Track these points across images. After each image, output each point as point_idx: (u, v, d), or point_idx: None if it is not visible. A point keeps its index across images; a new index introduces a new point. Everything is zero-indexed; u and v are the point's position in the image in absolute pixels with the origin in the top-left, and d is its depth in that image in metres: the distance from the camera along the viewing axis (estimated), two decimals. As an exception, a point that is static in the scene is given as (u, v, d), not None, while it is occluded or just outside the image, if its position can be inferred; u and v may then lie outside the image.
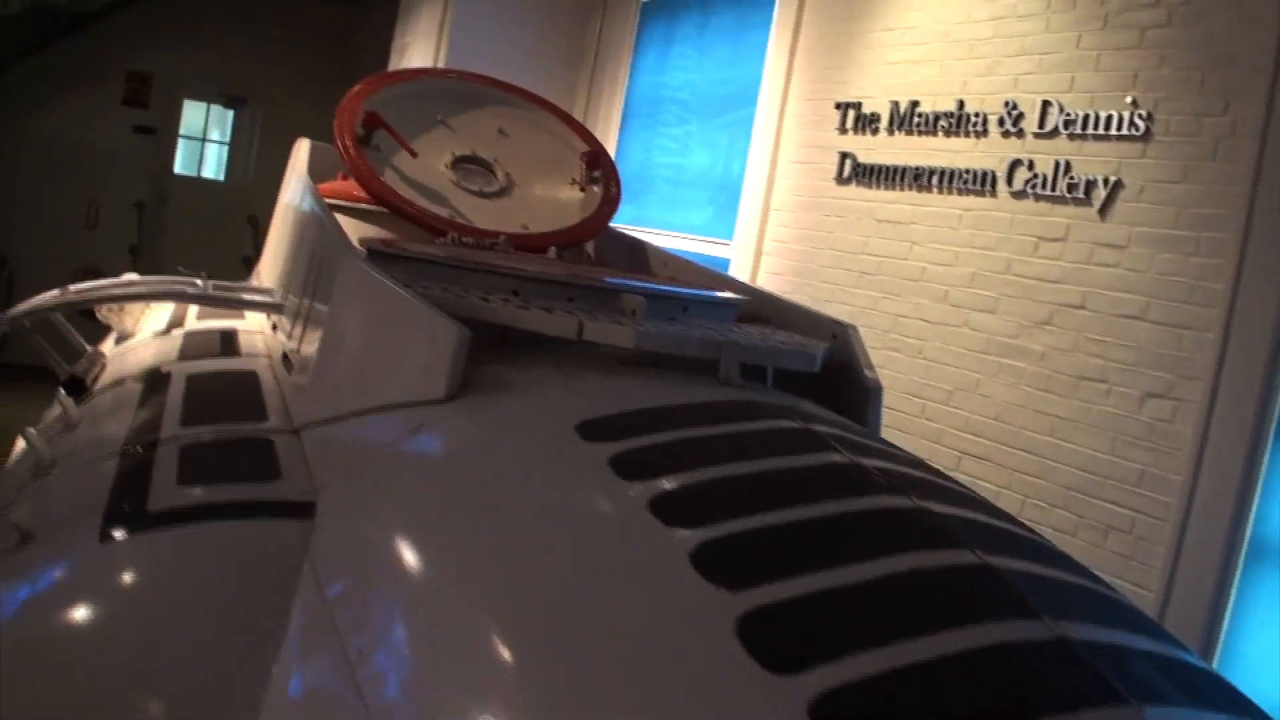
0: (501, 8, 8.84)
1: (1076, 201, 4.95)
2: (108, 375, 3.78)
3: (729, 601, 1.30)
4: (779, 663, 1.21)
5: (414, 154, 3.92)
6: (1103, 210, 4.84)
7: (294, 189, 4.31)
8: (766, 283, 6.50)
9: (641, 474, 1.62)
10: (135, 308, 4.95)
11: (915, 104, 5.81)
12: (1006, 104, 5.31)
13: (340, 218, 3.35)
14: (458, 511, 1.71)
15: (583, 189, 4.15)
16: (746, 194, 6.96)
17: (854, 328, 2.78)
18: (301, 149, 4.87)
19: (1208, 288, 4.45)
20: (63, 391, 3.48)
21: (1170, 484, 4.46)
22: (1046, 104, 5.13)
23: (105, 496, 2.14)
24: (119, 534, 1.94)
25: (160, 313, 4.71)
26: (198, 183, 13.27)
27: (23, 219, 11.79)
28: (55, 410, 3.69)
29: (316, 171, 4.39)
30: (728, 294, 3.01)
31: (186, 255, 11.43)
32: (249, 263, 12.31)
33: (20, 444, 4.51)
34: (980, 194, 5.39)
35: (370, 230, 3.90)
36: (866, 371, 2.60)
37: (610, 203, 4.10)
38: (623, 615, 1.36)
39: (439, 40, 8.67)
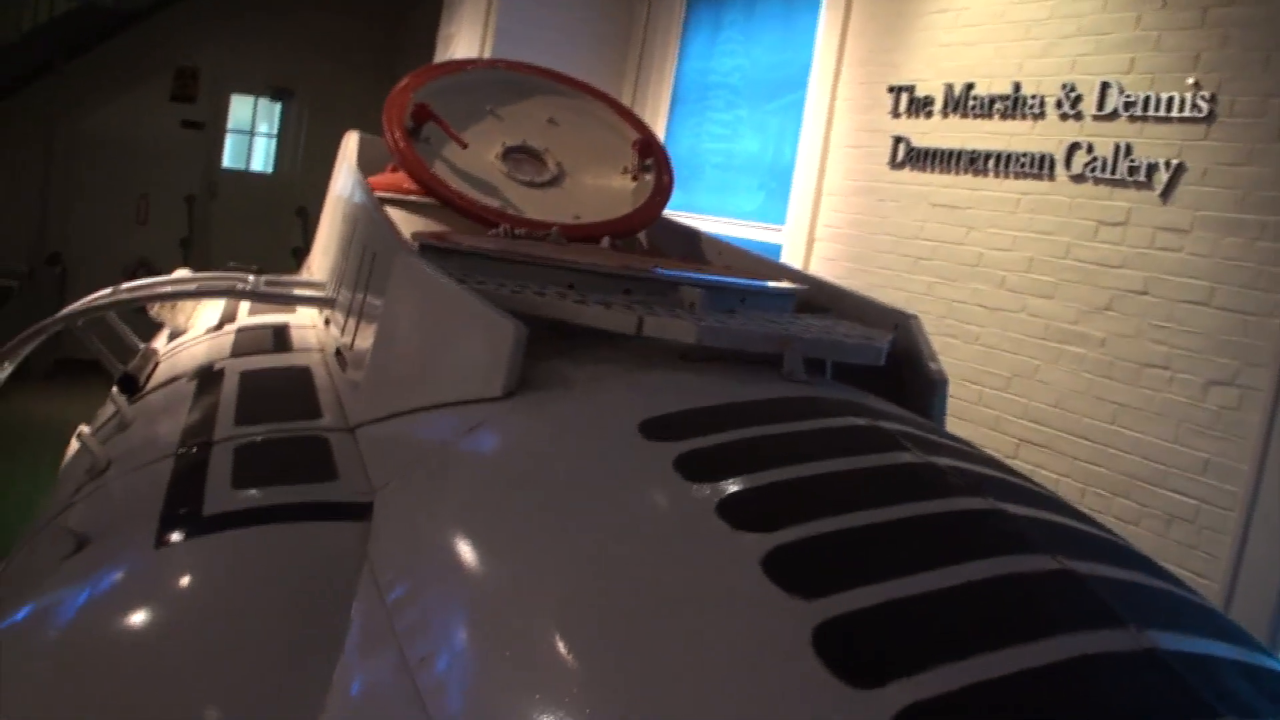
0: (547, -6, 8.81)
1: (1138, 185, 4.84)
2: (161, 373, 3.78)
3: (804, 611, 1.26)
4: (858, 676, 1.16)
5: (464, 145, 3.89)
6: (1165, 194, 4.74)
7: (343, 182, 4.29)
8: (820, 268, 6.43)
9: (707, 475, 1.57)
10: (187, 304, 4.97)
11: (970, 86, 5.72)
12: (1064, 86, 5.21)
13: (391, 210, 3.33)
14: (519, 514, 1.68)
15: (635, 177, 4.11)
16: (798, 179, 6.89)
17: (916, 317, 2.72)
18: (350, 141, 4.86)
19: (1273, 272, 4.34)
20: (116, 390, 3.48)
21: (1236, 473, 4.37)
22: (1106, 86, 5.03)
23: (160, 500, 2.12)
24: (174, 538, 1.92)
25: (212, 308, 4.72)
26: (246, 176, 13.37)
27: (75, 216, 11.91)
28: (109, 409, 3.70)
29: (366, 164, 4.37)
30: (786, 284, 2.95)
31: (236, 248, 11.53)
32: (299, 254, 12.38)
33: (75, 444, 4.55)
34: (1038, 178, 5.29)
35: (421, 223, 3.87)
36: (930, 363, 2.53)
37: (663, 191, 4.05)
38: (693, 625, 1.31)
39: (485, 29, 8.63)
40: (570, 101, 4.37)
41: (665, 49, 8.64)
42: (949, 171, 5.78)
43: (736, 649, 1.26)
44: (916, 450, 1.68)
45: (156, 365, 4.00)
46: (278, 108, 13.39)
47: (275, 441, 2.38)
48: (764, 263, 3.54)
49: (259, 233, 12.61)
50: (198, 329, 4.46)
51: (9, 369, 3.74)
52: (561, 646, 1.36)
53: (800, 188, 6.85)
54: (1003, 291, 5.39)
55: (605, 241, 3.68)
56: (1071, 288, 5.06)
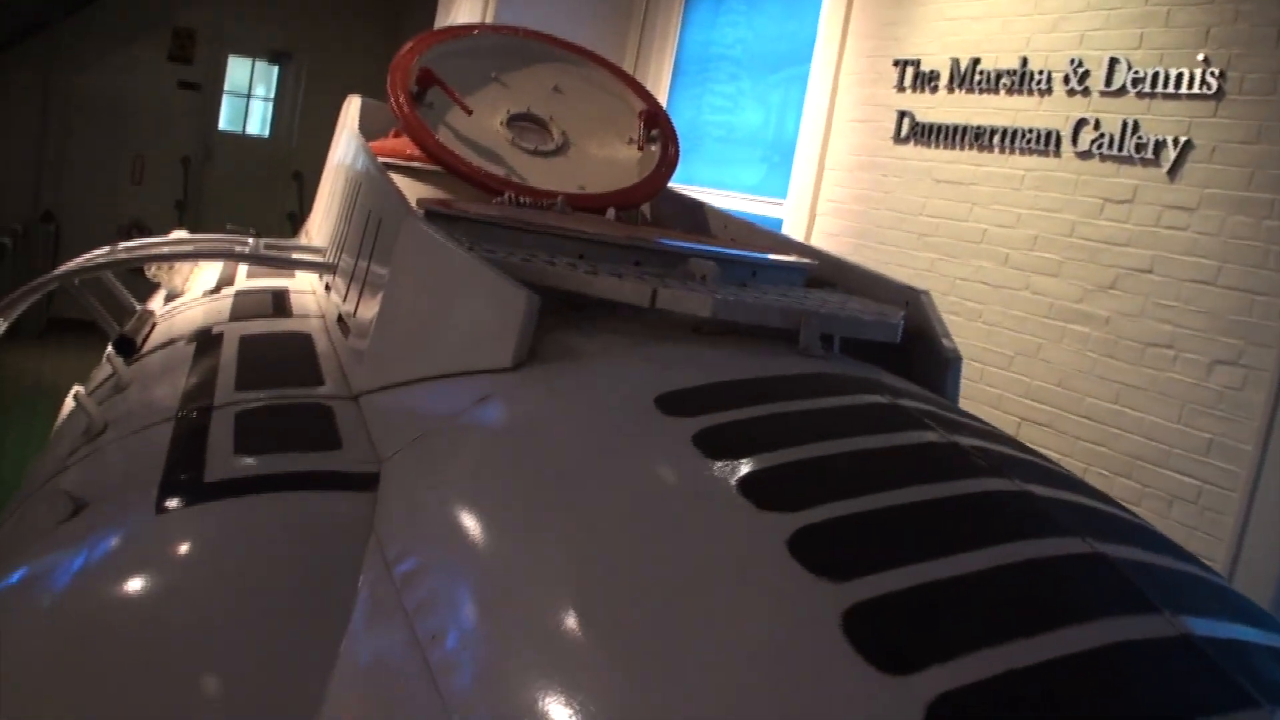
0: (550, -38, 8.70)
1: (1144, 162, 4.80)
2: (158, 335, 3.74)
3: (833, 593, 1.22)
4: (890, 662, 1.13)
5: (469, 111, 3.84)
6: (1172, 171, 4.70)
7: (345, 147, 4.25)
8: (822, 243, 6.38)
9: (728, 452, 1.53)
10: (184, 266, 4.92)
11: (976, 61, 5.66)
12: (1072, 61, 5.15)
13: (394, 176, 3.28)
14: (532, 488, 1.64)
15: (640, 148, 4.06)
16: (801, 153, 6.83)
17: (927, 293, 2.68)
18: (352, 106, 4.81)
19: (1281, 252, 4.31)
20: (113, 351, 3.44)
21: (1239, 453, 4.34)
22: (1114, 61, 4.97)
23: (160, 465, 2.08)
24: (174, 505, 1.88)
25: (210, 271, 4.67)
26: (242, 139, 13.27)
27: (69, 175, 11.83)
28: (105, 370, 3.65)
29: (368, 129, 4.32)
30: (797, 258, 2.91)
31: (231, 211, 11.43)
32: (294, 219, 12.33)
33: (70, 403, 4.50)
34: (1044, 154, 5.24)
35: (424, 190, 3.83)
36: (944, 340, 2.50)
37: (669, 163, 4.01)
38: (717, 606, 1.28)
39: (487, -5, 8.55)
40: (576, 69, 4.32)
41: (668, 19, 8.56)
42: (954, 147, 5.73)
43: (762, 631, 1.23)
44: (940, 429, 1.65)
45: (154, 327, 3.96)
46: (275, 71, 13.27)
47: (277, 408, 2.33)
48: (770, 236, 3.50)
49: (254, 196, 12.52)
50: (195, 291, 4.42)
51: (3, 326, 3.69)
52: (577, 626, 1.32)
53: (803, 162, 6.80)
54: (1006, 269, 5.35)
55: (610, 213, 3.64)
56: (1076, 265, 5.02)
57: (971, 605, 1.23)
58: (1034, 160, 5.29)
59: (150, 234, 12.05)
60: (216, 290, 4.15)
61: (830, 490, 1.42)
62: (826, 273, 2.96)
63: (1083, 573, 1.32)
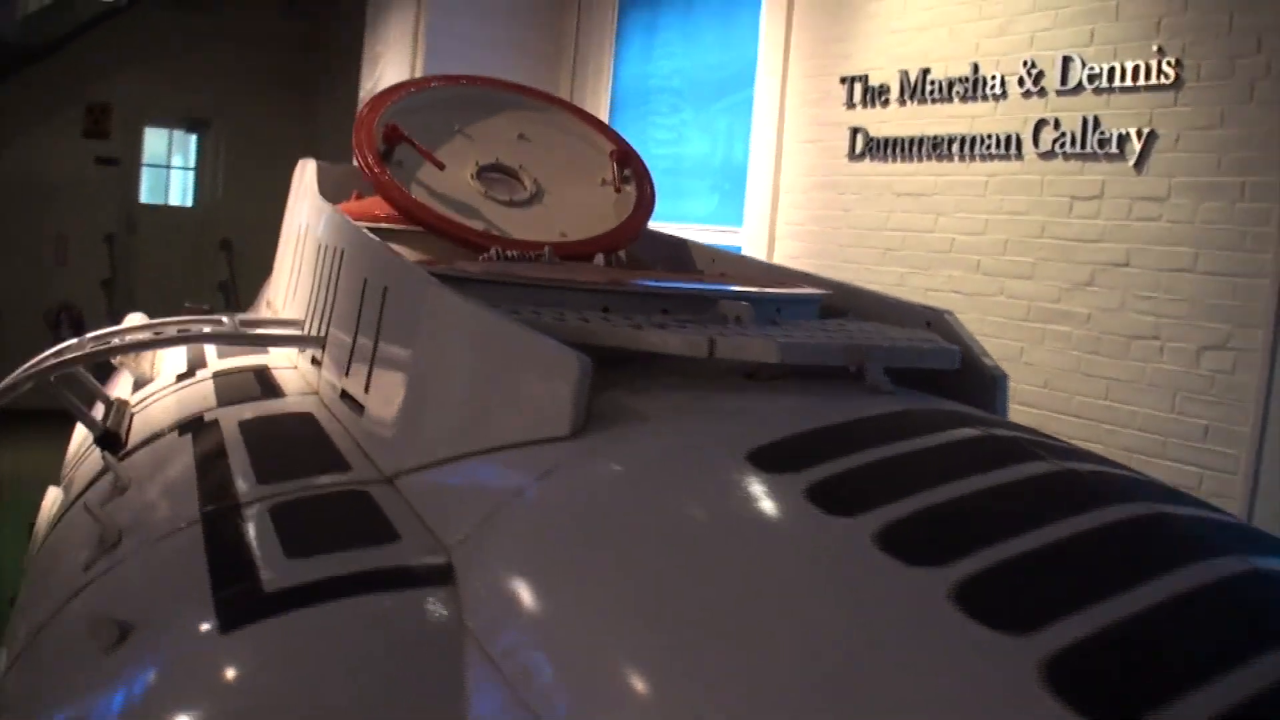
0: (473, 8, 8.64)
1: (1109, 157, 4.81)
2: (140, 426, 3.58)
3: (1026, 648, 1.14)
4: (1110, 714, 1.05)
5: (441, 166, 3.75)
6: (1138, 164, 4.71)
7: (312, 213, 4.13)
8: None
9: (850, 507, 1.44)
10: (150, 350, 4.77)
11: (926, 71, 5.66)
12: (1025, 63, 5.16)
13: None
14: (642, 565, 1.52)
15: (617, 189, 3.98)
16: (753, 178, 6.80)
17: (950, 313, 2.62)
18: (307, 170, 4.68)
19: (1258, 232, 4.33)
20: (104, 451, 3.27)
21: (1237, 436, 4.34)
22: (1068, 60, 4.99)
23: (204, 576, 1.91)
24: (241, 622, 1.70)
25: (175, 352, 4.52)
26: (166, 210, 13.05)
27: (-10, 259, 11.52)
28: (87, 468, 3.49)
29: (326, 193, 4.22)
30: (812, 290, 2.85)
31: (161, 286, 11.23)
32: (225, 289, 12.12)
33: (49, 503, 4.31)
34: (1005, 158, 5.24)
35: (402, 251, 3.72)
36: (985, 360, 2.43)
37: (646, 202, 3.94)
38: (906, 688, 1.17)
39: (414, 46, 8.46)
40: (537, 114, 4.24)
41: (600, 56, 8.52)
42: (911, 159, 5.72)
43: (967, 705, 1.13)
44: (1051, 458, 1.58)
45: (131, 418, 3.80)
46: (193, 140, 13.07)
47: (313, 500, 2.19)
48: (764, 267, 3.46)
49: (183, 269, 12.30)
50: (165, 375, 4.26)
51: None
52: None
53: (756, 187, 6.76)
54: (978, 276, 5.33)
55: (599, 258, 3.55)
56: (1050, 266, 5.02)
57: (1168, 643, 1.16)
58: (996, 165, 5.29)
59: (80, 315, 11.84)
60: (190, 373, 4.00)
61: (975, 536, 1.33)
62: (839, 301, 2.90)
63: (1254, 594, 1.26)
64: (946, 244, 5.49)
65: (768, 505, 1.52)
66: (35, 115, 11.71)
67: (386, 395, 2.46)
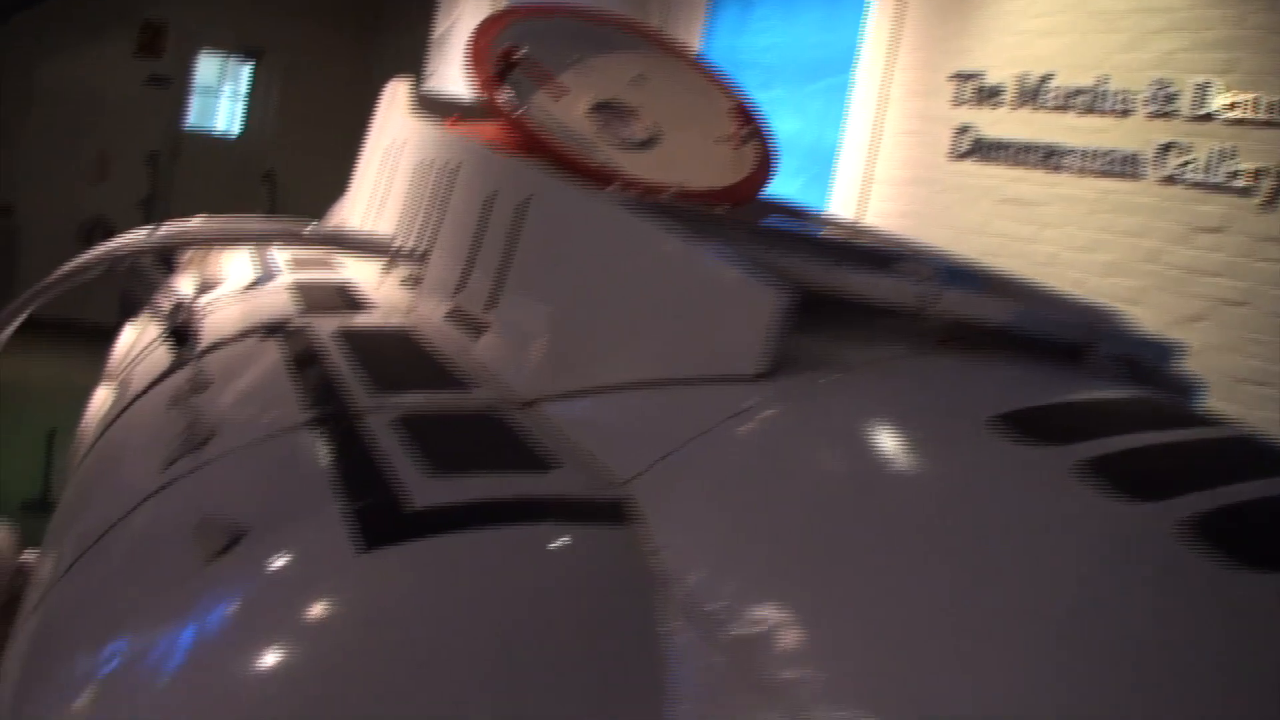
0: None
1: (1238, 191, 4.58)
2: (211, 328, 3.37)
3: None
4: None
5: (563, 94, 3.53)
6: (1267, 203, 4.47)
7: (409, 132, 3.93)
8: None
9: (1136, 491, 1.23)
10: (214, 254, 4.59)
11: (1047, 77, 5.42)
12: (1156, 82, 4.92)
13: None
14: (880, 523, 1.32)
15: (735, 145, 3.77)
16: (844, 165, 6.58)
17: (1122, 314, 2.41)
18: (401, 90, 4.48)
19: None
20: (180, 348, 3.04)
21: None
22: (1202, 86, 4.75)
23: (324, 486, 1.68)
24: (383, 541, 1.47)
25: (239, 261, 4.33)
26: (211, 138, 12.89)
27: (31, 169, 11.36)
28: (142, 367, 3.30)
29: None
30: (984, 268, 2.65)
31: (198, 210, 10.98)
32: (267, 220, 11.92)
33: (99, 400, 4.10)
34: (1122, 176, 5.01)
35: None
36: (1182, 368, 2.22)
37: (769, 160, 3.73)
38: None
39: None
40: (656, 60, 4.03)
41: (690, 25, 8.27)
42: (1020, 165, 5.49)
43: None
44: None
45: (201, 319, 3.58)
46: (246, 68, 12.86)
47: (445, 416, 1.97)
48: (896, 239, 3.27)
49: (223, 196, 12.10)
50: (233, 281, 4.07)
51: (20, 320, 3.31)
52: None
53: (847, 174, 6.55)
54: (1080, 294, 5.10)
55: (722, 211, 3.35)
56: (1159, 294, 4.80)
57: None
58: (1111, 183, 5.06)
59: (114, 232, 11.54)
60: (261, 281, 3.81)
61: None
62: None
63: None
64: (1048, 258, 5.26)
65: (1030, 477, 1.31)
66: (89, 29, 11.57)
67: (523, 315, 2.25)
